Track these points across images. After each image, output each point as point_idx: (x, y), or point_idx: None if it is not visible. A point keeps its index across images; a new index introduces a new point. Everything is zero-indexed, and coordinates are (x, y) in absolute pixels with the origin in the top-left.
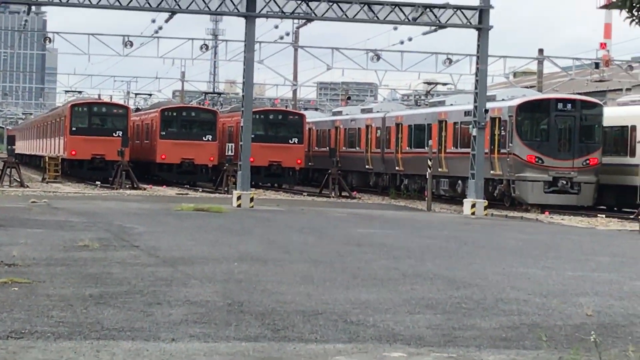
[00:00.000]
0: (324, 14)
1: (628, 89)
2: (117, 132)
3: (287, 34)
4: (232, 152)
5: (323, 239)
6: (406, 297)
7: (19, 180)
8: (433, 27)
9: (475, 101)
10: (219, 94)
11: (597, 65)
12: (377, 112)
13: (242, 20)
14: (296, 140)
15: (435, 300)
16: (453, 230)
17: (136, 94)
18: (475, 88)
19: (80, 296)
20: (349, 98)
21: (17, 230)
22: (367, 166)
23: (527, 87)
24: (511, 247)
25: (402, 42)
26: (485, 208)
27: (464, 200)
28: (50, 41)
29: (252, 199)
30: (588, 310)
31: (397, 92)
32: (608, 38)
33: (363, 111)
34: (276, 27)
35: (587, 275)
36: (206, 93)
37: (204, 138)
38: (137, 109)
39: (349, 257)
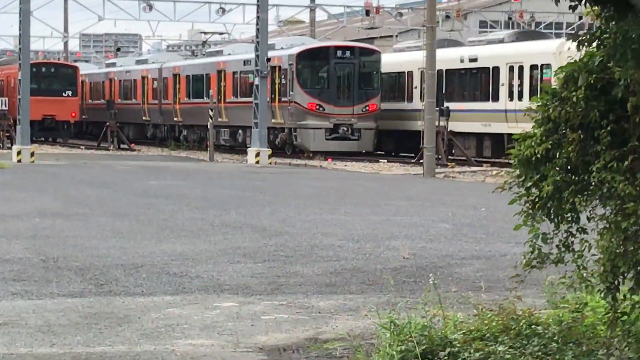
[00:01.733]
0: None
1: (396, 36)
2: None
3: None
4: (5, 106)
5: (118, 192)
6: (221, 247)
7: None
8: None
9: (256, 50)
10: None
11: (367, 13)
12: (153, 63)
13: None
14: (70, 93)
15: (251, 249)
16: (245, 179)
17: None
18: (256, 37)
19: None
20: (118, 49)
21: None
22: (144, 118)
23: (298, 36)
24: (307, 194)
25: None
26: (269, 157)
27: (248, 149)
28: None
29: (32, 154)
30: (404, 253)
31: (165, 43)
32: None
33: (138, 62)
34: None
35: (391, 219)
36: None
37: None
38: None
39: (151, 209)
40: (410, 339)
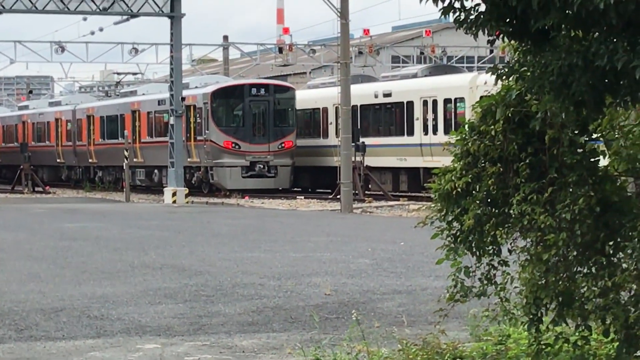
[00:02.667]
0: (12, 6)
1: (310, 72)
2: None
3: None
4: None
5: (34, 235)
6: (142, 288)
7: None
8: (125, 17)
9: (170, 89)
10: None
11: (280, 50)
12: (67, 104)
13: None
14: None
15: (171, 289)
16: (162, 219)
17: None
18: (171, 76)
19: None
20: (30, 92)
21: None
22: (58, 160)
23: (212, 74)
24: (225, 232)
25: (92, 33)
26: (186, 196)
27: (165, 189)
28: None
29: None
30: (326, 289)
31: (77, 84)
32: (281, 23)
33: (51, 104)
34: None
35: (311, 255)
36: None
37: None
38: None
39: (69, 251)
40: None
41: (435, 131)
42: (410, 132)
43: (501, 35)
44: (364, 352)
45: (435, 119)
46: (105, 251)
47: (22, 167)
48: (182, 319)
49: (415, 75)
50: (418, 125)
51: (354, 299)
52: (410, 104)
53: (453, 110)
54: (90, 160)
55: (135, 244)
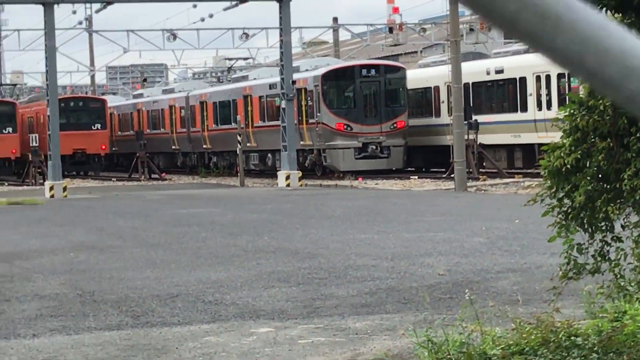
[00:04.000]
0: None
1: (421, 51)
2: None
3: (86, 19)
4: (36, 142)
5: (151, 222)
6: (255, 272)
7: None
8: (234, 2)
9: (281, 73)
10: (14, 85)
11: (390, 30)
12: (180, 91)
13: (29, 9)
14: (99, 126)
15: (285, 273)
16: (275, 203)
17: None
18: (281, 60)
19: None
20: (145, 80)
21: None
22: (173, 146)
23: (323, 57)
24: (339, 214)
25: (202, 20)
26: (300, 179)
27: (278, 172)
28: None
29: (65, 189)
30: (439, 269)
31: (190, 71)
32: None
33: (165, 92)
34: (74, 12)
35: (424, 235)
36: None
37: (3, 131)
38: None
39: (184, 237)
40: (448, 356)
41: (549, 107)
42: (524, 108)
43: (605, 9)
44: (477, 332)
45: (549, 94)
46: (220, 236)
47: (138, 154)
48: (295, 302)
49: (527, 51)
50: (531, 101)
51: (468, 279)
52: (523, 79)
53: (566, 85)
54: (204, 146)
55: (249, 228)
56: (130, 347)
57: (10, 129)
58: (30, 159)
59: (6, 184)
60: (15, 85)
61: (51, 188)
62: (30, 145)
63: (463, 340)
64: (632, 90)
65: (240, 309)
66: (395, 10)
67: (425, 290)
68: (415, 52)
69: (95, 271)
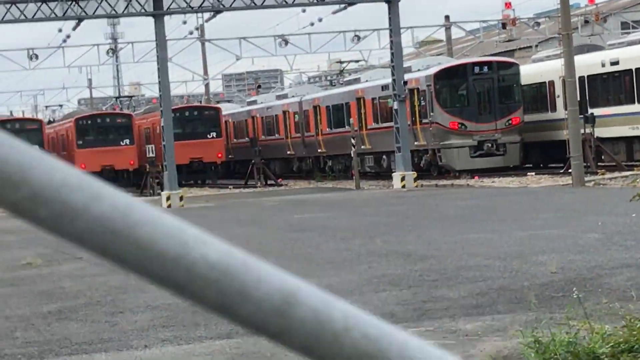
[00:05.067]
0: (232, 4)
1: (536, 46)
2: (33, 147)
3: (197, 29)
4: (153, 153)
5: (265, 229)
6: (366, 276)
7: None
8: (343, 5)
9: (392, 74)
10: (130, 97)
11: (504, 26)
12: (293, 96)
13: (144, 21)
14: (214, 134)
15: (396, 275)
16: (390, 205)
17: (46, 107)
18: (391, 61)
19: (40, 314)
20: (259, 87)
21: None
22: (288, 152)
23: (436, 56)
24: (453, 214)
25: (312, 24)
26: (415, 180)
27: (393, 174)
28: None
29: (181, 198)
30: (551, 267)
31: (305, 75)
32: None
33: (278, 97)
34: (184, 22)
35: (538, 233)
36: (116, 97)
37: (121, 143)
38: (50, 121)
39: (297, 243)
40: (555, 356)
41: None
42: None
43: None
44: (586, 330)
45: None
46: (332, 241)
47: (253, 161)
48: (405, 305)
49: None
50: None
51: (581, 276)
52: (639, 70)
53: None
54: (319, 150)
55: (362, 232)
56: (240, 356)
57: (127, 141)
58: (147, 169)
59: None
60: (131, 97)
61: (168, 198)
62: (147, 156)
63: (570, 340)
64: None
65: None
66: (508, 5)
67: (537, 289)
68: (530, 46)
69: None
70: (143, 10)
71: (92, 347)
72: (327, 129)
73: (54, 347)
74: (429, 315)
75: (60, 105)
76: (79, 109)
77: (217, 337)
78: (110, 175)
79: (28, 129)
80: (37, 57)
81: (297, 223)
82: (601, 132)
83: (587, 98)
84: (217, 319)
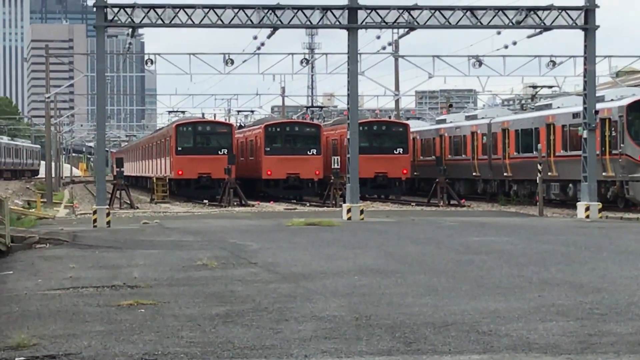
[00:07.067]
0: (426, 22)
1: None
2: (222, 150)
3: (390, 44)
4: (338, 165)
5: (440, 249)
6: (535, 304)
7: (129, 202)
8: (538, 30)
9: (584, 102)
10: (320, 107)
11: None
12: (482, 118)
13: (340, 33)
14: (401, 150)
15: (565, 306)
16: (570, 234)
17: (238, 112)
18: (584, 89)
19: (207, 315)
20: (450, 106)
21: (133, 251)
22: (474, 173)
23: (633, 86)
24: (634, 249)
25: (506, 47)
26: (600, 211)
27: (578, 203)
28: (152, 63)
29: (362, 211)
30: None
31: (499, 97)
32: None
33: (467, 118)
34: (378, 37)
35: None
36: (307, 107)
37: (308, 152)
38: (240, 126)
39: (469, 266)
40: None
41: None
42: None
43: None
44: None
45: None
46: (506, 266)
47: (437, 180)
48: (570, 337)
49: None
50: None
51: None
52: None
53: None
54: (505, 174)
55: (537, 259)
56: None
57: (314, 151)
58: (331, 180)
59: (308, 204)
60: (322, 107)
61: (348, 210)
62: (332, 167)
63: None
64: None
65: (514, 341)
66: None
67: None
68: None
69: (376, 295)
70: (338, 23)
71: (254, 353)
72: (515, 153)
73: (216, 350)
74: (593, 349)
75: (252, 111)
76: (270, 116)
77: (377, 353)
78: (295, 183)
79: (219, 132)
80: (232, 62)
81: (474, 245)
82: None
83: None
84: (380, 334)
